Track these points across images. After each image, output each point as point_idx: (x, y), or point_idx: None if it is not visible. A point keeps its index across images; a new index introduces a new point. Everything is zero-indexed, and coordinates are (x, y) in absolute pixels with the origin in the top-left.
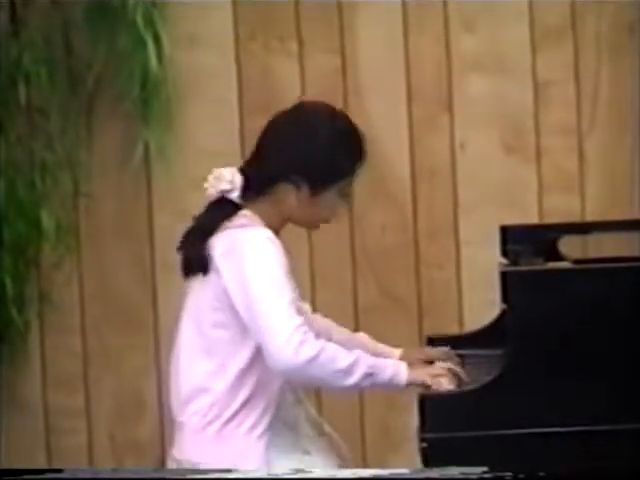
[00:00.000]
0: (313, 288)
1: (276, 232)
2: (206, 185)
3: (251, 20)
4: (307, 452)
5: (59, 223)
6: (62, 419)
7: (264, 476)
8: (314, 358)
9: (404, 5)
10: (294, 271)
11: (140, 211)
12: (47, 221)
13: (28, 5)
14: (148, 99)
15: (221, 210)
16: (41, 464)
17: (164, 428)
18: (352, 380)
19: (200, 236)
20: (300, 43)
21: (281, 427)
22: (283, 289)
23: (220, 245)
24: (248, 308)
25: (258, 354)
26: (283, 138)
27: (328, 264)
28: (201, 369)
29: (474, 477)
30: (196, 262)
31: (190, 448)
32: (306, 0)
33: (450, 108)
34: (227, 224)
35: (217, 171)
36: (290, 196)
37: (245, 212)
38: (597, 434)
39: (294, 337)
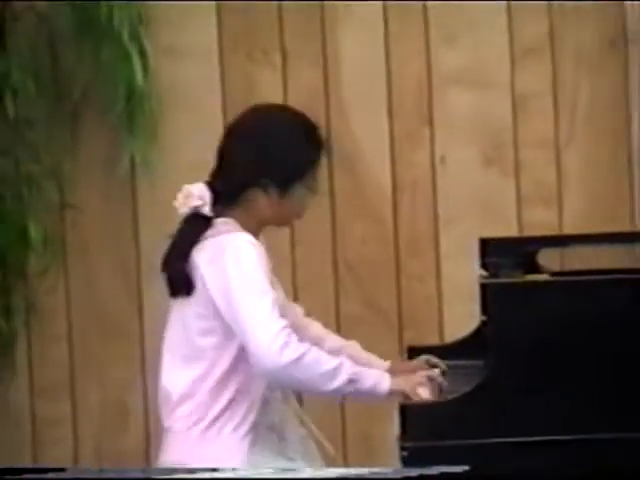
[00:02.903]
0: (296, 300)
1: (255, 236)
2: (176, 204)
3: (235, 32)
4: (291, 458)
5: (45, 233)
6: (48, 429)
7: (259, 476)
8: (298, 360)
9: (386, 20)
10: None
11: (126, 221)
12: (34, 231)
13: (16, 18)
14: (133, 111)
15: (195, 225)
16: None
17: (149, 437)
18: (335, 384)
19: (179, 255)
20: (283, 56)
21: (267, 432)
22: (265, 291)
23: (204, 254)
24: (231, 311)
25: (240, 357)
26: (243, 145)
27: (311, 276)
28: (188, 376)
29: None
30: (180, 283)
31: (176, 450)
32: (289, 13)
33: (431, 122)
34: (208, 233)
35: (185, 189)
36: (260, 200)
37: (224, 220)
38: (576, 443)
39: (278, 339)
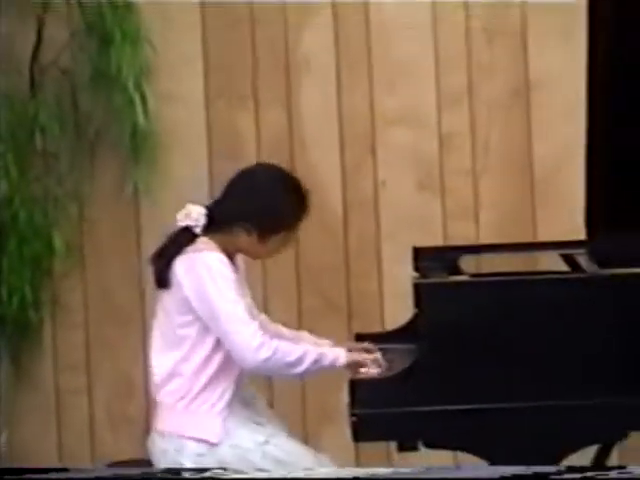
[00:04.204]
0: (266, 296)
1: (231, 256)
2: (178, 216)
3: (218, 83)
4: (259, 423)
5: (68, 243)
6: (69, 397)
7: (272, 476)
8: (272, 355)
9: (338, 73)
10: (250, 282)
11: (131, 233)
12: (58, 241)
13: (43, 73)
14: (137, 147)
15: (183, 239)
16: (52, 434)
17: (150, 404)
18: (302, 367)
19: (164, 259)
20: (256, 102)
21: (239, 404)
22: (237, 300)
23: (182, 265)
24: (212, 318)
25: (215, 350)
26: (242, 193)
27: (278, 277)
28: (171, 358)
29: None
30: (162, 279)
31: (166, 420)
32: (262, 68)
33: (374, 154)
34: (189, 248)
35: (188, 208)
36: (242, 237)
37: (203, 239)
38: (490, 411)
39: (254, 340)
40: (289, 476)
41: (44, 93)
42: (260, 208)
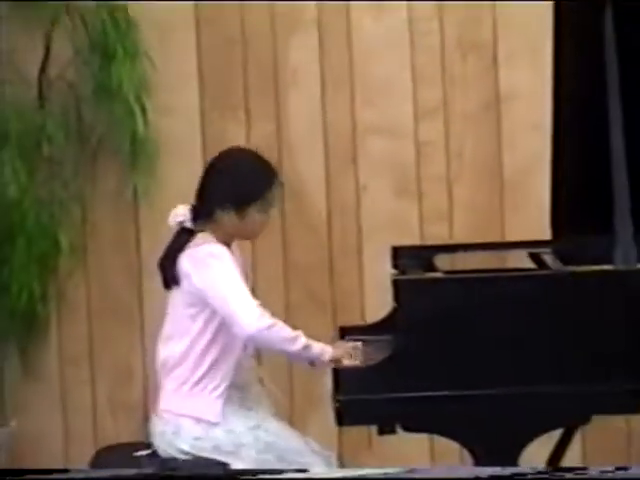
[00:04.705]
0: (254, 291)
1: (228, 245)
2: (169, 220)
3: (211, 96)
4: (250, 409)
5: (72, 242)
6: (73, 387)
7: (271, 476)
8: (271, 327)
9: (323, 86)
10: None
11: (130, 234)
12: (63, 241)
13: (50, 86)
14: (136, 154)
15: (181, 238)
16: (58, 421)
17: (147, 392)
18: (295, 347)
19: (170, 260)
20: (247, 113)
21: (235, 391)
22: (241, 283)
23: (188, 260)
24: (220, 299)
25: (214, 340)
26: (211, 179)
27: (266, 274)
28: (177, 349)
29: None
30: (170, 279)
31: (167, 402)
32: (252, 82)
33: (355, 161)
34: (191, 243)
35: (175, 209)
36: (224, 219)
37: (203, 234)
38: (463, 397)
39: (255, 312)
40: (302, 476)
41: (51, 104)
42: (228, 184)
